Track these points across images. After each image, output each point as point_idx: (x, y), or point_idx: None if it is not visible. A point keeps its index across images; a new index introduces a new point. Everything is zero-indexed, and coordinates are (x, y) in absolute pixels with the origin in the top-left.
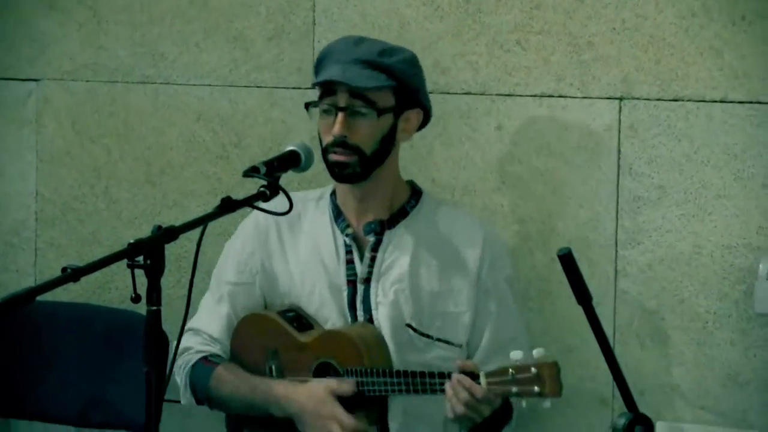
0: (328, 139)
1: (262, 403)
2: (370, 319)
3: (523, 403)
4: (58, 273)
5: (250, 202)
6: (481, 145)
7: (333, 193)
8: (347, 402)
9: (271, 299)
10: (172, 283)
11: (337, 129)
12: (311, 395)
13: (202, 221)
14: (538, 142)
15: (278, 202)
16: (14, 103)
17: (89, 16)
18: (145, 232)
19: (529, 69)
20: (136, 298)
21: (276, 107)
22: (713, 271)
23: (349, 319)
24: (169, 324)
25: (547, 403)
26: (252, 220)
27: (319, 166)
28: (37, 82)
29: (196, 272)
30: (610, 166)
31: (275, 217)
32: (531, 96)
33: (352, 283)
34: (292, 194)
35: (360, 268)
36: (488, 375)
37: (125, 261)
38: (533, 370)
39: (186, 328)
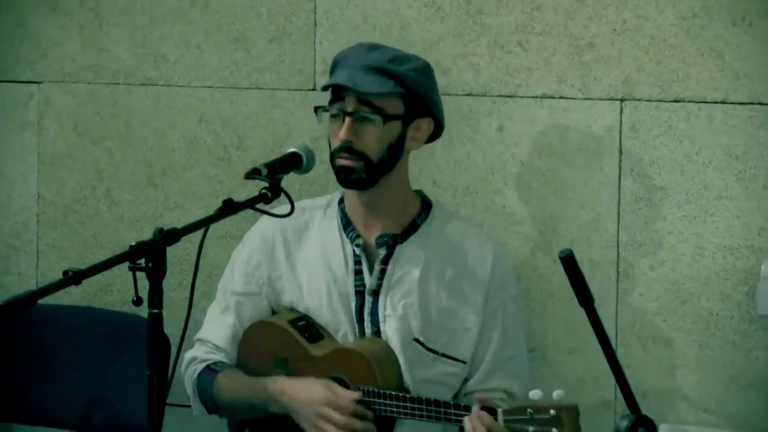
0: (335, 143)
1: (260, 402)
2: (377, 332)
3: None
4: (59, 275)
5: (251, 204)
6: (483, 146)
7: (341, 201)
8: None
9: (278, 310)
10: (173, 285)
11: (343, 134)
12: (308, 388)
13: (204, 223)
14: (540, 143)
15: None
16: (16, 105)
17: (90, 18)
18: (146, 234)
19: (530, 70)
20: (137, 301)
21: (277, 109)
22: (715, 272)
23: (357, 330)
24: (171, 327)
25: None
26: (258, 231)
27: (320, 167)
28: (39, 84)
29: (198, 275)
30: (611, 168)
31: (282, 226)
32: (532, 97)
33: (360, 293)
34: (298, 203)
35: (369, 280)
36: (506, 413)
37: (127, 264)
38: (552, 411)
39: (194, 339)
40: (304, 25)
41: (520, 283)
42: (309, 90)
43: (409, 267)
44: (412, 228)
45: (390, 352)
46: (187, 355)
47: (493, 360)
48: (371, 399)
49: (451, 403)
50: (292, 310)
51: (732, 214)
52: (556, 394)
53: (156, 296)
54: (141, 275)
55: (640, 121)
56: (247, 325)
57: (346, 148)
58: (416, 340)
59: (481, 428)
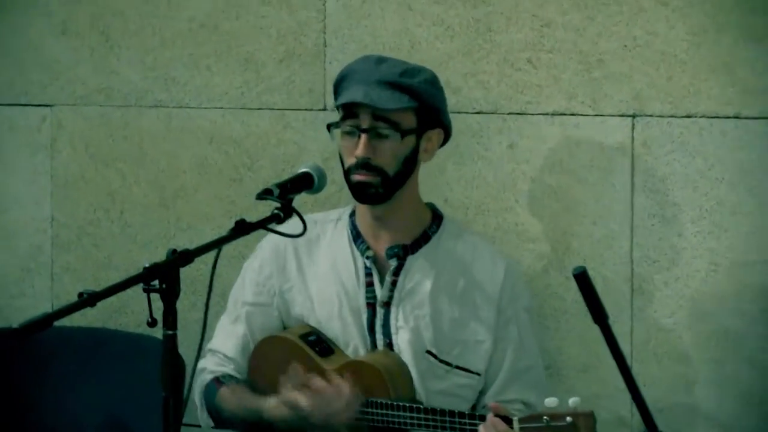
0: (350, 160)
1: (264, 422)
2: (389, 344)
3: None
4: (74, 297)
5: (264, 224)
6: (494, 163)
7: (352, 214)
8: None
9: (289, 321)
10: (187, 306)
11: (360, 151)
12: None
13: (217, 244)
14: (551, 160)
15: (293, 224)
16: (28, 128)
17: (101, 41)
18: (159, 255)
19: (541, 87)
20: (152, 322)
21: (288, 129)
22: (730, 288)
23: (368, 342)
24: (185, 348)
25: None
26: (270, 242)
27: (331, 187)
28: (51, 107)
29: (211, 295)
30: (623, 184)
31: (293, 238)
32: (543, 114)
33: (371, 306)
34: (309, 216)
35: (380, 292)
36: (521, 420)
37: (141, 285)
38: (568, 419)
39: (205, 349)
40: (313, 46)
41: (533, 299)
42: (319, 110)
43: (420, 278)
44: (423, 239)
45: (402, 364)
46: (199, 365)
47: (509, 371)
48: (384, 411)
49: (466, 413)
50: (303, 324)
51: (746, 230)
52: (572, 401)
53: (170, 317)
54: (155, 296)
55: (651, 137)
56: (258, 335)
57: (364, 164)
58: (429, 352)
59: None
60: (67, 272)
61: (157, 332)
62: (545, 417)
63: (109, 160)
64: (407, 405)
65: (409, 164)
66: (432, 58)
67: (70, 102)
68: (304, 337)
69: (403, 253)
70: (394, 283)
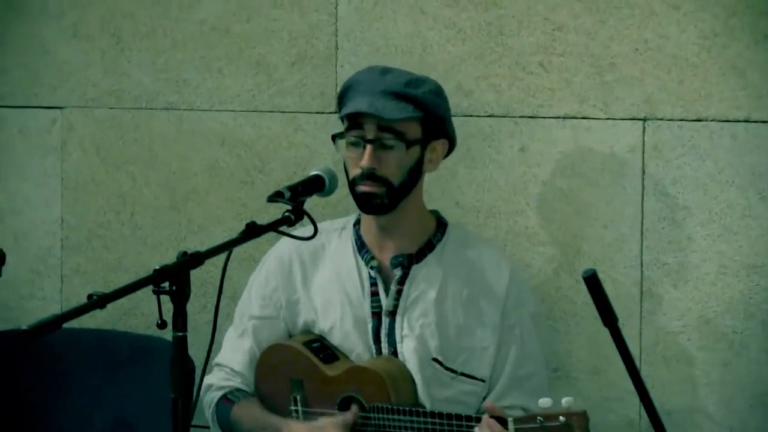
0: (355, 171)
1: None
2: (394, 353)
3: None
4: (84, 299)
5: (275, 227)
6: (505, 167)
7: (356, 223)
8: None
9: (295, 332)
10: (197, 308)
11: (366, 161)
12: (311, 426)
13: (227, 246)
14: (562, 163)
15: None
16: (39, 131)
17: (112, 43)
18: (170, 258)
19: (552, 91)
20: (162, 324)
21: (300, 132)
22: (739, 291)
23: (374, 351)
24: (195, 349)
25: None
26: (275, 255)
27: (343, 190)
28: (62, 109)
29: (221, 297)
30: (634, 187)
31: (298, 249)
32: (554, 117)
33: (376, 315)
34: (317, 224)
35: (385, 301)
36: (516, 421)
37: (151, 287)
38: (561, 419)
39: (212, 364)
40: (325, 48)
41: (543, 302)
42: (331, 113)
43: (425, 287)
44: (427, 248)
45: (405, 371)
46: (205, 381)
47: (510, 377)
48: (385, 415)
49: (463, 415)
50: (308, 332)
51: (756, 233)
52: (566, 401)
53: (180, 319)
54: (165, 298)
55: (662, 141)
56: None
57: (369, 175)
58: (435, 359)
59: None
60: (77, 274)
61: (167, 334)
62: (539, 417)
63: (120, 163)
64: (407, 409)
65: (414, 174)
66: (444, 62)
67: (81, 104)
68: (308, 344)
69: (407, 262)
70: (399, 293)
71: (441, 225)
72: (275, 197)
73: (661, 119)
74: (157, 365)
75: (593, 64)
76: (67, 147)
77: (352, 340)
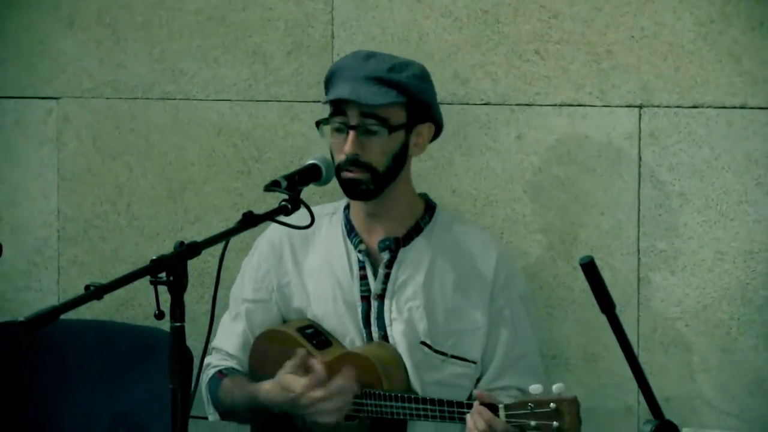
0: (340, 157)
1: (259, 404)
2: (384, 336)
3: None
4: (81, 291)
5: (271, 216)
6: (502, 155)
7: (347, 208)
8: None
9: (289, 315)
10: (195, 298)
11: (348, 147)
12: (274, 380)
13: (224, 236)
14: (559, 151)
15: (299, 216)
16: (35, 121)
17: (108, 33)
18: (167, 248)
19: (549, 78)
20: (159, 315)
21: (296, 121)
22: (736, 277)
23: (364, 335)
24: (193, 340)
25: None
26: (267, 238)
27: None
28: (57, 100)
29: (219, 287)
30: (631, 174)
31: (289, 233)
32: (551, 105)
33: (365, 299)
34: None
35: (374, 285)
36: (507, 408)
37: (148, 278)
38: (552, 405)
39: (210, 347)
40: (321, 37)
41: (540, 289)
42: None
43: (413, 270)
44: (415, 231)
45: (396, 356)
46: (205, 361)
47: (503, 359)
48: (377, 401)
49: (454, 401)
50: (301, 317)
51: (752, 219)
52: (556, 387)
53: (178, 309)
54: (162, 289)
55: (659, 128)
56: (258, 331)
57: (353, 161)
58: (423, 343)
59: (481, 423)
60: (74, 265)
61: (165, 325)
62: (530, 404)
63: (116, 153)
64: (399, 395)
65: (399, 159)
66: (440, 50)
67: (77, 94)
68: (301, 330)
69: (395, 245)
70: (387, 276)
71: (429, 208)
72: (272, 187)
73: (658, 106)
74: (156, 356)
75: (589, 51)
76: (63, 138)
77: (345, 323)
